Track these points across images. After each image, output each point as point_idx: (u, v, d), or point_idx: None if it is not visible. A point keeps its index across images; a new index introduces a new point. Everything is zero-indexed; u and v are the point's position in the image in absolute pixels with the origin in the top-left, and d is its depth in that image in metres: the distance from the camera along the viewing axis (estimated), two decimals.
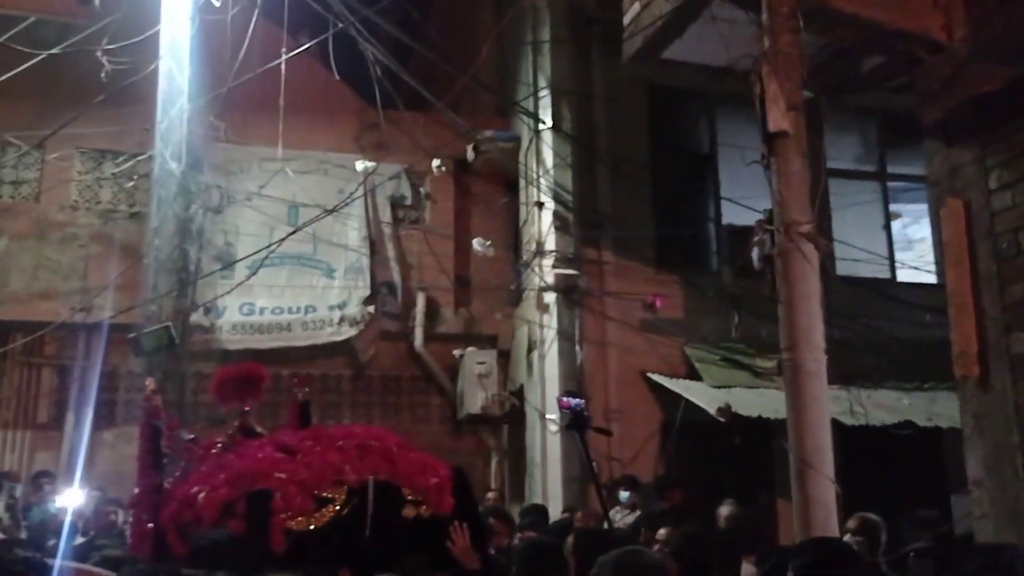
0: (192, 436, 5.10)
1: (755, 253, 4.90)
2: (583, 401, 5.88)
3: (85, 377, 9.59)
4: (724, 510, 6.76)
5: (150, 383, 4.94)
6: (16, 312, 9.45)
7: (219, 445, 4.91)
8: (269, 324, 10.06)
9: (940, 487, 8.53)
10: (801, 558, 2.74)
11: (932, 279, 9.76)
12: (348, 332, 10.25)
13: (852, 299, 9.26)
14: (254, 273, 9.48)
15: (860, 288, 9.82)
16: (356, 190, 10.07)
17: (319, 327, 10.23)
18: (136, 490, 4.58)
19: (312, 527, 3.87)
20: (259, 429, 5.07)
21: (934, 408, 8.78)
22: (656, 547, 6.15)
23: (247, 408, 5.14)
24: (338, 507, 3.93)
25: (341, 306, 10.32)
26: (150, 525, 4.28)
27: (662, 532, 5.85)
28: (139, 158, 9.43)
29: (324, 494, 3.98)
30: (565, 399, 5.88)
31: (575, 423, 5.74)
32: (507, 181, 10.97)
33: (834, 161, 10.86)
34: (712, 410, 8.00)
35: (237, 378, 5.40)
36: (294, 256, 10.39)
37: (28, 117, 9.22)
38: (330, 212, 9.30)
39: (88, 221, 9.99)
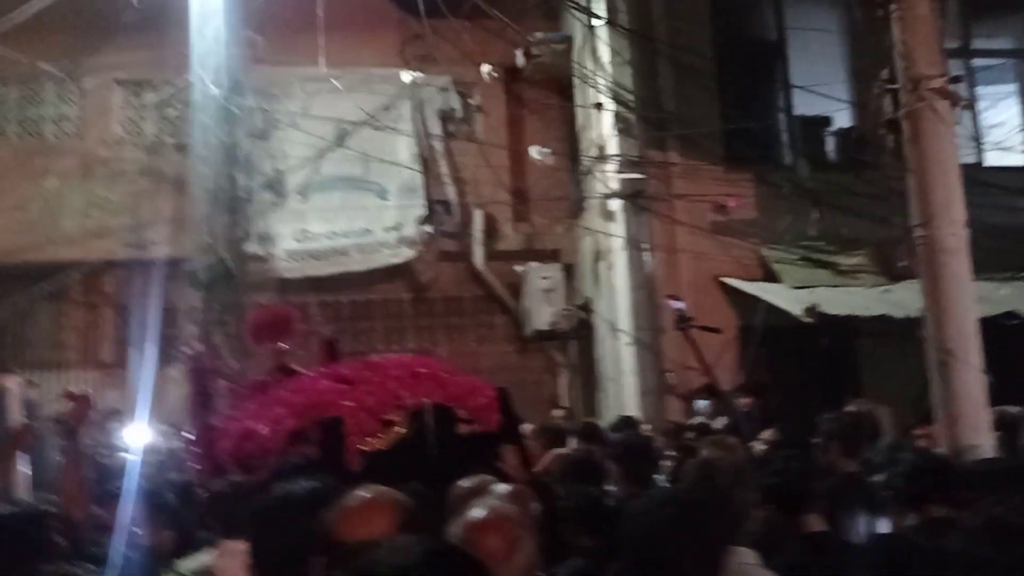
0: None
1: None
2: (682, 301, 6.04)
3: (144, 314, 9.44)
4: None
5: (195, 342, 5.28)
6: (70, 252, 9.28)
7: (265, 383, 5.06)
8: (325, 250, 9.76)
9: None
10: None
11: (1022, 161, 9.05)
12: (406, 253, 9.92)
13: None
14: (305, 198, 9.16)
15: None
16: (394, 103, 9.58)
17: (376, 250, 9.90)
18: (191, 429, 4.84)
19: (381, 448, 4.08)
20: (295, 367, 5.17)
21: None
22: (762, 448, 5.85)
23: (283, 347, 5.27)
24: (402, 428, 4.17)
25: (397, 227, 9.97)
26: (208, 461, 4.52)
27: (767, 433, 5.88)
28: (179, 85, 9.03)
29: (388, 417, 4.21)
30: (672, 302, 6.07)
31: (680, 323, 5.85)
32: (560, 86, 10.40)
33: None
34: (796, 311, 7.51)
35: (271, 320, 5.54)
36: (345, 179, 10.04)
37: (60, 50, 8.90)
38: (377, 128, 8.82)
39: (134, 156, 9.72)
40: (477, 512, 2.07)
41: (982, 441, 3.96)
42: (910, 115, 3.93)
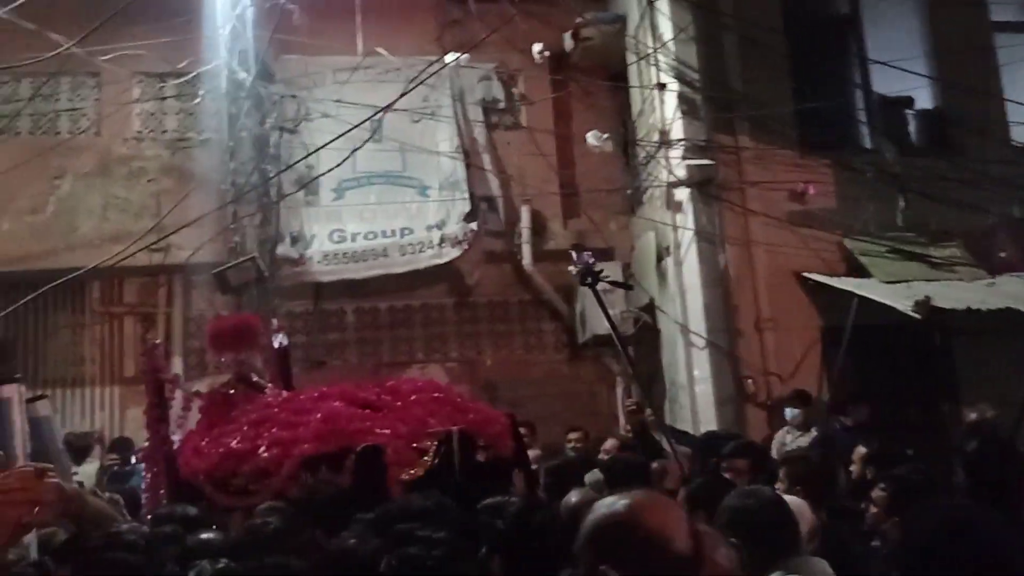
0: (196, 389, 5.28)
1: None
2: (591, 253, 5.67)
3: (170, 324, 8.73)
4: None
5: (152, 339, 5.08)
6: (89, 258, 8.53)
7: (227, 395, 5.02)
8: (363, 251, 9.01)
9: None
10: None
11: None
12: (451, 253, 9.14)
13: None
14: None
15: None
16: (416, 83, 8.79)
17: (418, 250, 9.13)
18: (146, 444, 4.81)
19: (420, 476, 4.11)
20: (256, 378, 5.11)
21: None
22: (855, 467, 5.28)
23: (242, 358, 5.20)
24: (431, 456, 4.21)
25: (440, 225, 9.19)
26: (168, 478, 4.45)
27: (860, 450, 5.26)
28: (204, 74, 8.33)
29: (420, 446, 4.29)
30: (576, 254, 5.67)
31: (586, 277, 5.46)
32: (610, 72, 9.64)
33: (1000, 12, 9.28)
34: (901, 306, 6.65)
35: (232, 329, 5.45)
36: (382, 174, 9.30)
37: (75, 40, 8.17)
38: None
39: (155, 152, 9.01)
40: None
41: None
42: None
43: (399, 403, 4.65)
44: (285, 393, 5.13)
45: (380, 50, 8.89)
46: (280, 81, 9.06)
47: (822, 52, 8.89)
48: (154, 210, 8.70)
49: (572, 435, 7.82)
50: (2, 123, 8.24)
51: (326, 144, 7.17)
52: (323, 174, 8.04)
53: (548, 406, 9.17)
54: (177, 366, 8.51)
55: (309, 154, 7.98)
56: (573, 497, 3.45)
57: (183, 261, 8.48)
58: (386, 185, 9.28)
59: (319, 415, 4.45)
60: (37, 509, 1.53)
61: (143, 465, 5.53)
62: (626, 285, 7.34)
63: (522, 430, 7.32)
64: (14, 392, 3.48)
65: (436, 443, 4.23)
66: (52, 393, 8.14)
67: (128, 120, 9.04)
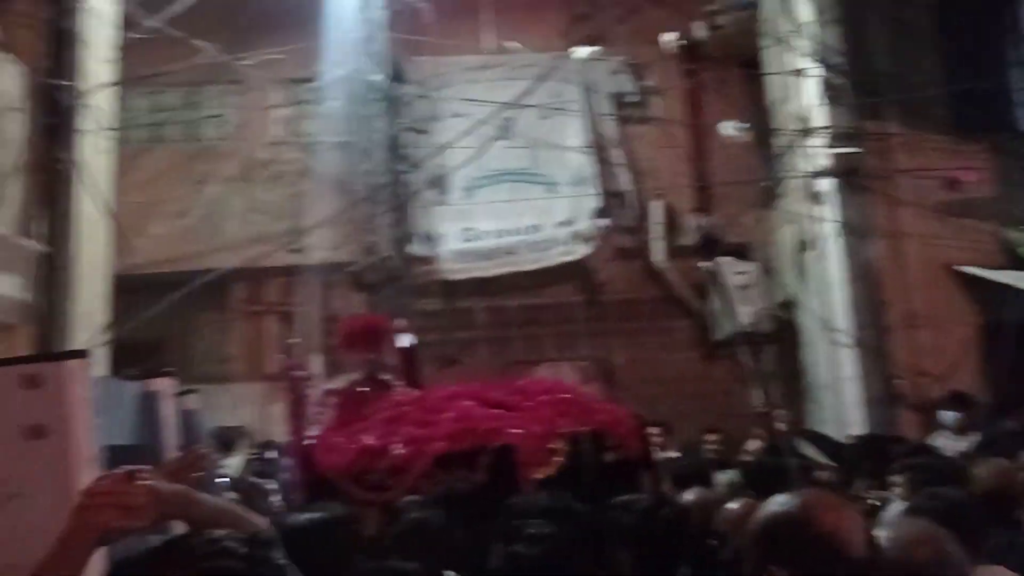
0: (329, 387, 5.37)
1: None
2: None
3: (309, 322, 8.97)
4: None
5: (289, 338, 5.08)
6: (232, 259, 8.89)
7: (359, 393, 5.10)
8: (493, 249, 9.02)
9: None
10: None
11: None
12: (581, 250, 9.05)
13: None
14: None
15: None
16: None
17: (547, 247, 9.08)
18: (288, 441, 4.95)
19: (552, 475, 4.15)
20: (385, 377, 5.18)
21: None
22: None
23: (372, 357, 5.25)
24: (562, 456, 4.24)
25: (569, 222, 9.11)
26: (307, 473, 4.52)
27: None
28: (335, 73, 8.51)
29: (552, 445, 4.29)
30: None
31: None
32: (744, 60, 9.29)
33: None
34: None
35: (362, 329, 5.57)
36: (512, 172, 9.28)
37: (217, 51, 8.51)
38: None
39: (293, 156, 9.29)
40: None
41: None
42: None
43: (529, 403, 4.68)
44: (413, 392, 5.20)
45: (511, 43, 8.85)
46: (411, 82, 9.18)
47: (977, 28, 8.26)
48: (292, 212, 8.98)
49: (710, 436, 7.59)
50: (153, 132, 8.66)
51: (454, 141, 7.20)
52: (449, 170, 8.09)
53: (682, 406, 8.93)
54: (316, 364, 8.74)
55: (436, 150, 8.03)
56: (689, 496, 3.48)
57: (320, 261, 8.69)
58: (516, 182, 9.26)
59: (451, 414, 4.51)
60: (127, 514, 1.48)
61: (284, 460, 5.70)
62: (747, 254, 6.97)
63: (656, 430, 7.22)
64: (165, 385, 3.58)
65: (566, 443, 4.27)
66: (200, 389, 8.51)
67: (268, 125, 9.36)
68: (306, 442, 4.70)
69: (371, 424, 4.62)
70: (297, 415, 4.87)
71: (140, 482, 1.52)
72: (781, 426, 7.51)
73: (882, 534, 2.10)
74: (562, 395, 4.83)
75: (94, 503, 1.49)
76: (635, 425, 4.67)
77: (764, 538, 1.62)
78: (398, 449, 4.31)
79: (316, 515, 3.04)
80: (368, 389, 5.08)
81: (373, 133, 8.65)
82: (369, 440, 4.43)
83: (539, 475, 4.14)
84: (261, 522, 1.78)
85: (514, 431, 4.34)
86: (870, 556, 1.55)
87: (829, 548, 1.53)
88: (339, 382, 5.36)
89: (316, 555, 2.51)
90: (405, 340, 5.82)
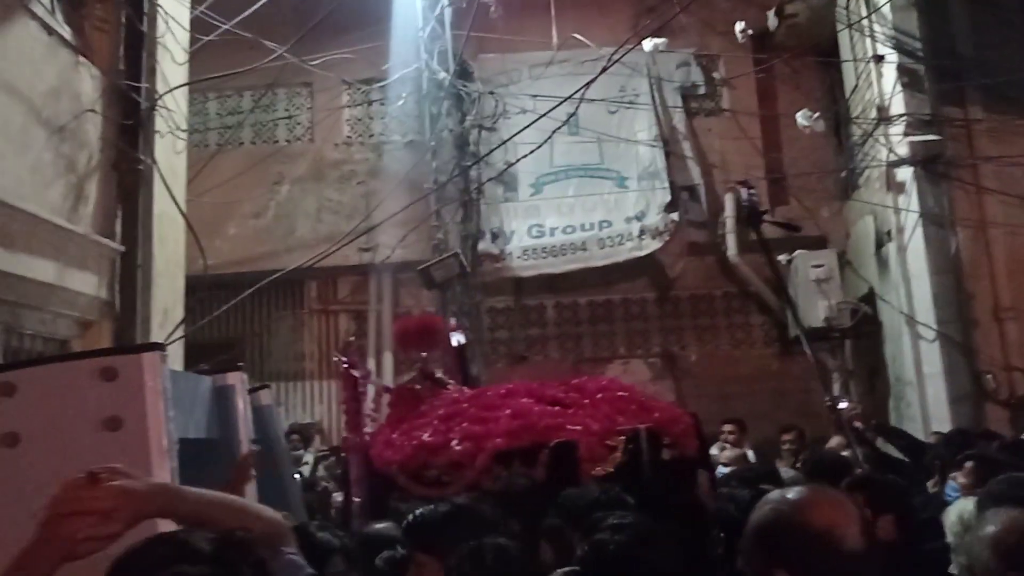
0: (385, 384, 5.56)
1: None
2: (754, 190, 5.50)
3: (380, 320, 9.06)
4: None
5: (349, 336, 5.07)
6: (305, 258, 9.02)
7: (414, 390, 5.17)
8: (562, 245, 8.95)
9: None
10: None
11: None
12: (651, 245, 8.91)
13: None
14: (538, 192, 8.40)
15: None
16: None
17: (617, 243, 8.97)
18: (347, 436, 4.98)
19: (611, 472, 4.17)
20: (438, 374, 5.26)
21: None
22: None
23: (427, 355, 5.34)
24: (618, 454, 4.26)
25: (639, 217, 8.98)
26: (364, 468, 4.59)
27: None
28: (403, 72, 8.54)
29: (610, 443, 4.32)
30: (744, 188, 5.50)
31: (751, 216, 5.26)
32: (818, 49, 9.05)
33: None
34: None
35: (416, 328, 5.64)
36: (579, 167, 9.21)
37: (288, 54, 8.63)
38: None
39: (363, 156, 9.42)
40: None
41: None
42: None
43: (586, 400, 4.72)
44: (466, 389, 5.24)
45: (577, 36, 8.77)
46: (478, 79, 9.18)
47: None
48: (363, 211, 9.06)
49: (786, 435, 7.38)
50: (228, 134, 8.84)
51: (519, 132, 7.13)
52: (515, 163, 8.00)
53: (758, 404, 8.75)
54: (387, 361, 8.83)
55: (499, 145, 7.96)
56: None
57: (390, 259, 8.76)
58: (584, 178, 9.18)
59: (509, 411, 4.54)
60: (96, 521, 1.31)
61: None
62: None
63: (730, 427, 7.06)
64: (237, 379, 3.62)
65: (624, 440, 4.30)
66: (275, 386, 8.67)
67: (338, 126, 9.49)
68: (364, 439, 4.75)
69: (427, 420, 4.66)
70: (354, 412, 4.91)
71: (107, 484, 1.36)
72: (858, 424, 7.27)
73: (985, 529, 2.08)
74: (618, 393, 4.86)
75: (57, 513, 1.33)
76: (691, 424, 4.70)
77: (760, 538, 1.58)
78: (456, 445, 4.32)
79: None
80: (421, 387, 5.14)
81: (441, 131, 8.67)
82: (426, 436, 4.47)
83: (599, 472, 4.16)
84: (271, 514, 1.69)
85: (573, 428, 4.38)
86: (867, 547, 1.53)
87: (826, 545, 1.51)
88: (398, 380, 5.41)
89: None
90: (458, 338, 5.94)
